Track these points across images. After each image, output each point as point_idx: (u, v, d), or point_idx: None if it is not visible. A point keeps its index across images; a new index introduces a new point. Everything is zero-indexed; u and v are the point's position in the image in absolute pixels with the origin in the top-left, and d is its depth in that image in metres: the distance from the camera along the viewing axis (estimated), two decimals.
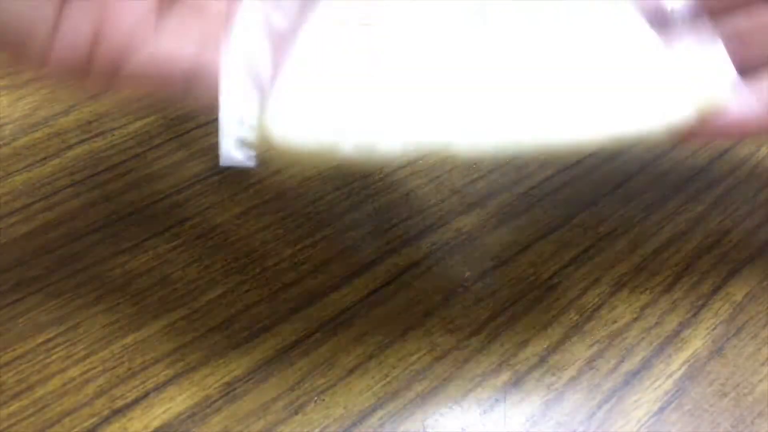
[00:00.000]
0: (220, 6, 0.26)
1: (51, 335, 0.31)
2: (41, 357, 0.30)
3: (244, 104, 0.25)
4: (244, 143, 0.25)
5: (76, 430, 0.28)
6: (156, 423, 0.28)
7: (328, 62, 0.26)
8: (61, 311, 0.32)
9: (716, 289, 0.33)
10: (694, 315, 0.32)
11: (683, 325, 0.31)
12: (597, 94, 0.27)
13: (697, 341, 0.31)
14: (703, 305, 0.32)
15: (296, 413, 0.29)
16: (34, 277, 0.33)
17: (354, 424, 0.28)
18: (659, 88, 0.27)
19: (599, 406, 0.29)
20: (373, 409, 0.29)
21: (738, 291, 0.33)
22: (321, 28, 0.27)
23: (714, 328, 0.31)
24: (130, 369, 0.30)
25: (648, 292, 0.33)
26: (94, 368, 0.30)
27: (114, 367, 0.30)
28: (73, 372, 0.30)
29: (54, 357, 0.30)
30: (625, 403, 0.29)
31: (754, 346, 0.31)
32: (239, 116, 0.25)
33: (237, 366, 0.30)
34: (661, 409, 0.29)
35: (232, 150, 0.25)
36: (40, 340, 0.31)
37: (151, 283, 0.33)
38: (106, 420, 0.28)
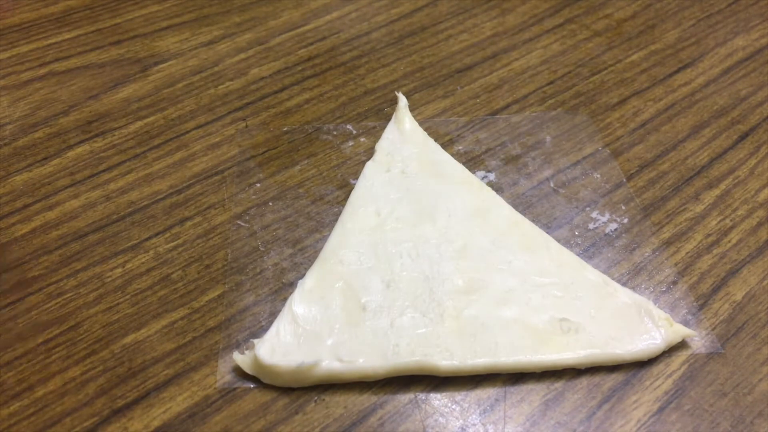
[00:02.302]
0: None
1: (51, 335, 0.31)
2: (41, 357, 0.30)
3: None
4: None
5: (76, 430, 0.28)
6: (156, 423, 0.28)
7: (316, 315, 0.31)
8: (61, 311, 0.32)
9: (716, 289, 0.33)
10: (694, 315, 0.32)
11: (683, 325, 0.31)
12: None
13: (697, 341, 0.31)
14: (703, 305, 0.32)
15: (296, 413, 0.29)
16: (34, 277, 0.33)
17: (354, 424, 0.28)
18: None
19: (599, 406, 0.29)
20: (373, 409, 0.29)
21: (738, 291, 0.33)
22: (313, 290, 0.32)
23: (714, 328, 0.31)
24: (130, 369, 0.30)
25: (648, 292, 0.33)
26: (94, 368, 0.30)
27: (114, 367, 0.30)
28: (73, 372, 0.30)
29: (54, 357, 0.30)
30: (625, 403, 0.29)
31: (754, 346, 0.31)
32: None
33: (237, 366, 0.30)
34: (661, 409, 0.29)
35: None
36: (40, 340, 0.31)
37: (151, 283, 0.33)
38: (106, 420, 0.28)
